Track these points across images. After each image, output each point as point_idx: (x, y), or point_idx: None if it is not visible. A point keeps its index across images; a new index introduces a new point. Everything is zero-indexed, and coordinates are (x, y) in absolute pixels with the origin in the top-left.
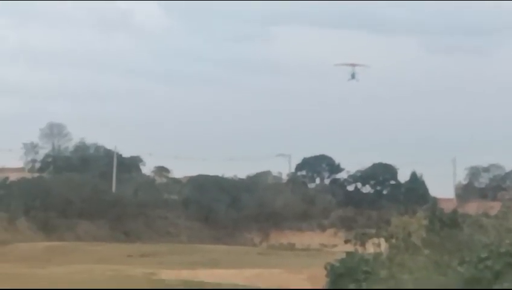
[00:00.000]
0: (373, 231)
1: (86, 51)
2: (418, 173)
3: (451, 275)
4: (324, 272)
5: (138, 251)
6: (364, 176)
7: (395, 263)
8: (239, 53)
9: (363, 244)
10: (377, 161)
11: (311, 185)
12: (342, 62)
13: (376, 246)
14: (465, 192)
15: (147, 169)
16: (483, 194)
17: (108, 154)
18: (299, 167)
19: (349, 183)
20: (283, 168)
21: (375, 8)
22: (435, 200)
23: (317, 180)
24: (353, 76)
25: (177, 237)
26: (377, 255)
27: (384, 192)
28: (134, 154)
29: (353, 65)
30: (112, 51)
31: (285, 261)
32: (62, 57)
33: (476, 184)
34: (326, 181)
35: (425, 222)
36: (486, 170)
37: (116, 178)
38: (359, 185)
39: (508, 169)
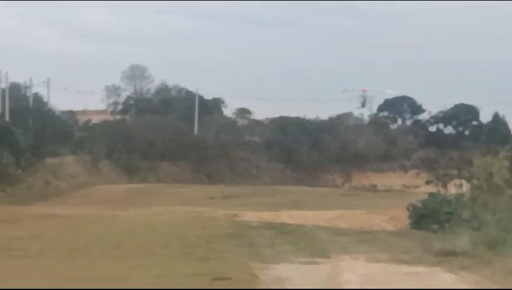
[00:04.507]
0: (455, 171)
1: None
2: (500, 113)
3: None
4: (406, 213)
5: (220, 193)
6: (446, 117)
7: (477, 203)
8: None
9: (444, 185)
10: (458, 101)
11: (393, 126)
12: (352, 88)
13: (458, 187)
14: None
15: (228, 111)
16: None
17: (190, 96)
18: (381, 108)
19: (431, 124)
20: (365, 110)
21: None
22: None
23: (399, 121)
24: (363, 104)
25: (259, 178)
26: (459, 196)
27: (466, 133)
28: (216, 96)
29: (364, 90)
30: None
31: (367, 202)
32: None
33: None
34: (408, 122)
35: (507, 163)
36: None
37: (198, 120)
38: (441, 126)
39: None
